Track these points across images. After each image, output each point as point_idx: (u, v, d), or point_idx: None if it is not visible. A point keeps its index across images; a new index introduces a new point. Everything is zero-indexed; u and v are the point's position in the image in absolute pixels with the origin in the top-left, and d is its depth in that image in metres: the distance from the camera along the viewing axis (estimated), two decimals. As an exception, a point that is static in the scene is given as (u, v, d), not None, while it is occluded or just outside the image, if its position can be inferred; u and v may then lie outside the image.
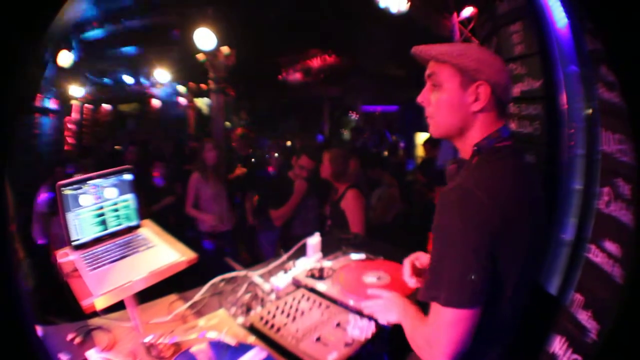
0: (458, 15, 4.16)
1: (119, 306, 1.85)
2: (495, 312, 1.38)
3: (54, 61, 7.91)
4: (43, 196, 5.32)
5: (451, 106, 1.48)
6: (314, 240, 2.70)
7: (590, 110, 1.85)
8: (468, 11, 4.07)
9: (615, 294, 1.34)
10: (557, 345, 1.54)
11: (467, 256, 1.29)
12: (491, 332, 1.41)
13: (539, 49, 2.19)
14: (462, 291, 1.30)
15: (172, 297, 2.28)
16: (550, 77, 2.13)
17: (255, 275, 2.46)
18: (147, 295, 2.02)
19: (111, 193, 2.02)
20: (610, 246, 1.42)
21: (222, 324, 1.95)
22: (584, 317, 1.45)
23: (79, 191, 1.89)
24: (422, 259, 2.06)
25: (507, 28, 2.54)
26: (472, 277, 1.28)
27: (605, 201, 1.50)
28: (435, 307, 1.37)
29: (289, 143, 6.54)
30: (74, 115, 11.56)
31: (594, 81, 1.66)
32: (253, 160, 7.00)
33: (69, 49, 7.97)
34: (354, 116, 15.30)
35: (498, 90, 1.43)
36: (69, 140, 11.13)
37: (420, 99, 1.56)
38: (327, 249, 2.77)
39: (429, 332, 1.42)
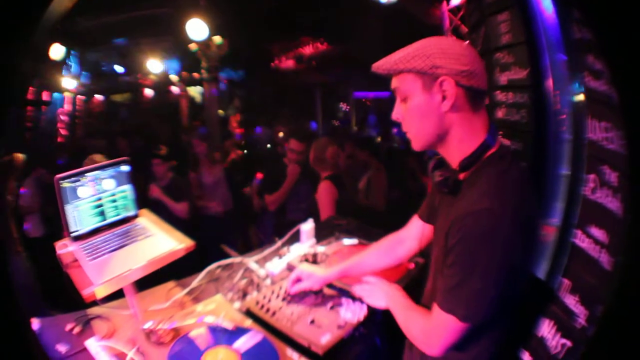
0: (447, 3, 4.18)
1: (118, 295, 1.87)
2: (502, 309, 1.38)
3: (47, 54, 7.89)
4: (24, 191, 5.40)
5: (422, 113, 1.39)
6: (307, 226, 2.76)
7: (576, 98, 1.86)
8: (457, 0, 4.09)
9: (602, 280, 1.36)
10: (546, 329, 1.56)
11: (491, 281, 1.27)
12: (494, 323, 1.42)
13: (526, 37, 2.21)
14: (480, 312, 1.31)
15: (170, 284, 2.33)
16: (537, 66, 2.16)
17: (250, 261, 2.51)
18: (146, 282, 2.07)
19: (109, 184, 2.06)
20: (596, 232, 1.42)
21: (220, 309, 2.00)
22: (572, 302, 1.45)
23: (77, 183, 1.93)
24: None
25: (494, 17, 2.55)
26: (492, 298, 1.29)
27: (591, 188, 1.50)
28: (441, 312, 1.37)
29: (281, 133, 6.55)
30: (67, 107, 11.51)
31: (580, 69, 1.65)
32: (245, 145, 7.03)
33: (61, 42, 7.95)
34: (344, 107, 15.26)
35: (463, 79, 1.32)
36: (62, 132, 11.11)
37: (394, 115, 1.50)
38: (321, 235, 2.82)
39: (428, 329, 1.45)
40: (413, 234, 1.90)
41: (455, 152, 1.42)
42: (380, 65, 1.44)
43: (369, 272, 1.98)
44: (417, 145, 1.47)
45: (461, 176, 1.43)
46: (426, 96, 1.37)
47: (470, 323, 1.32)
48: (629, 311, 1.19)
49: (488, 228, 1.24)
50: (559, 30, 2.00)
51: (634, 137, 1.23)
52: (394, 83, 1.45)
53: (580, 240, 1.52)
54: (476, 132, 1.39)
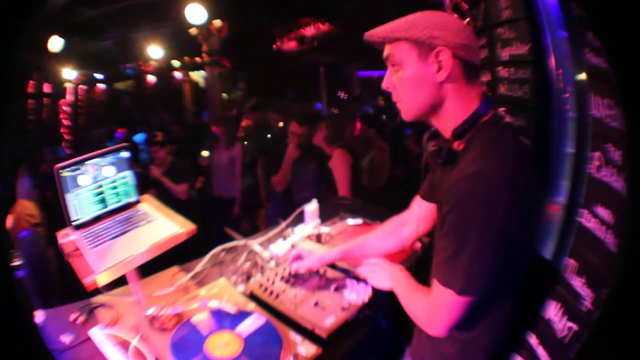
0: (447, -20, 4.11)
1: (122, 282, 1.89)
2: (505, 288, 1.39)
3: (45, 46, 7.90)
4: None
5: (415, 83, 1.39)
6: (311, 207, 2.75)
7: (579, 75, 1.83)
8: (456, -25, 4.01)
9: (607, 262, 1.34)
10: (553, 311, 1.54)
11: (486, 248, 1.25)
12: (498, 304, 1.43)
13: (526, 13, 2.17)
14: (477, 283, 1.29)
15: (174, 269, 2.34)
16: (538, 42, 2.12)
17: (254, 243, 2.51)
18: (150, 268, 2.07)
19: (109, 171, 2.06)
20: (602, 212, 1.38)
21: (223, 293, 2.00)
22: (578, 284, 1.42)
23: (77, 172, 1.92)
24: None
25: (494, -8, 2.51)
26: (489, 267, 1.27)
27: (596, 166, 1.47)
28: (440, 287, 1.36)
29: (281, 123, 6.56)
30: (69, 97, 11.53)
31: (581, 46, 1.62)
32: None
33: (60, 33, 7.97)
34: (342, 96, 15.16)
35: (460, 52, 1.33)
36: (65, 122, 11.14)
37: (384, 84, 1.48)
38: (325, 215, 2.81)
39: (429, 307, 1.43)
40: (416, 215, 1.86)
41: (449, 122, 1.41)
42: (375, 33, 1.44)
43: (372, 254, 1.96)
44: (407, 115, 1.46)
45: (456, 146, 1.42)
46: (421, 66, 1.36)
47: (469, 296, 1.30)
48: (632, 296, 1.17)
49: (480, 191, 1.22)
50: (559, 6, 1.96)
51: (631, 117, 1.21)
52: (387, 50, 1.44)
53: (587, 220, 1.48)
54: (469, 103, 1.39)
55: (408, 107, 1.44)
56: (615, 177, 1.32)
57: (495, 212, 1.21)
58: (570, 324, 1.42)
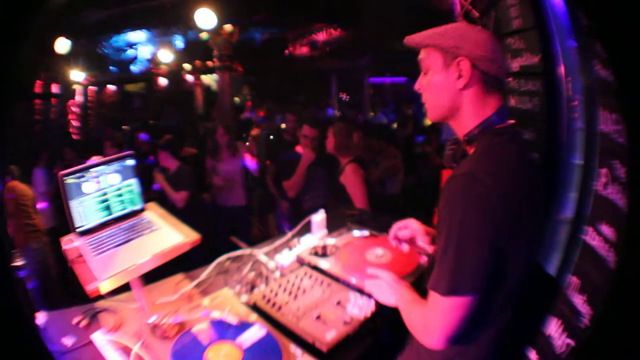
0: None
1: (126, 288, 1.89)
2: (495, 299, 1.40)
3: (52, 47, 7.96)
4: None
5: (438, 87, 1.51)
6: (318, 217, 2.73)
7: (588, 87, 1.81)
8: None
9: (607, 279, 1.33)
10: (553, 327, 1.53)
11: (468, 245, 1.29)
12: (489, 317, 1.43)
13: (535, 22, 2.15)
14: (461, 280, 1.30)
15: (179, 276, 2.33)
16: (548, 52, 2.10)
17: (260, 253, 2.50)
18: (155, 275, 2.07)
19: (114, 179, 2.06)
20: (606, 230, 1.37)
21: (226, 303, 1.99)
22: (579, 301, 1.41)
23: (81, 179, 1.93)
24: (412, 227, 2.09)
25: (504, 1, 2.48)
26: (472, 265, 1.29)
27: (603, 183, 1.47)
28: (430, 292, 1.39)
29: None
30: (78, 98, 11.61)
31: (590, 57, 1.62)
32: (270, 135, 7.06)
33: (70, 35, 8.03)
34: (344, 97, 15.17)
35: (481, 63, 1.43)
36: (74, 123, 11.22)
37: (416, 86, 1.60)
38: (332, 226, 2.80)
39: (426, 316, 1.44)
40: None
41: (464, 127, 1.52)
42: (413, 38, 1.56)
43: None
44: (431, 115, 1.60)
45: (468, 151, 1.53)
46: (444, 72, 1.48)
47: (455, 296, 1.32)
48: (623, 312, 1.18)
49: (465, 190, 1.31)
50: (568, 15, 1.94)
51: (634, 132, 1.21)
52: (421, 55, 1.56)
53: (591, 237, 1.47)
54: (484, 111, 1.48)
55: (431, 108, 1.58)
56: (620, 195, 1.32)
57: (479, 211, 1.29)
58: (568, 340, 1.42)
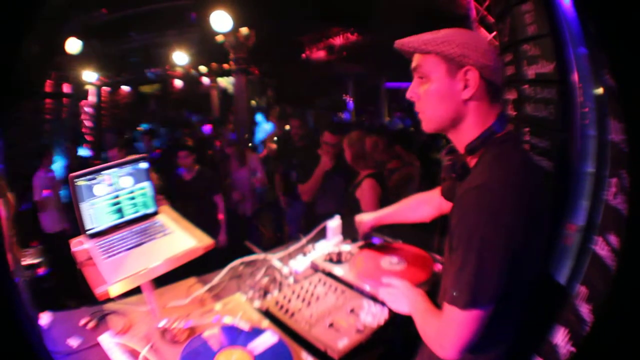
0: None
1: (136, 290, 1.87)
2: (506, 307, 1.36)
3: (62, 47, 8.01)
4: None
5: (440, 97, 1.42)
6: (334, 223, 2.70)
7: (599, 95, 1.79)
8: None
9: (610, 289, 1.32)
10: (560, 336, 1.53)
11: (487, 259, 1.25)
12: (501, 326, 1.40)
13: (550, 29, 2.12)
14: (480, 294, 1.28)
15: (192, 280, 2.32)
16: (562, 59, 2.07)
17: (274, 258, 2.47)
18: (167, 278, 2.05)
19: (127, 182, 2.05)
20: (614, 240, 1.38)
21: (238, 309, 1.97)
22: (585, 311, 1.42)
23: (92, 182, 1.92)
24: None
25: (519, 7, 2.44)
26: (491, 278, 1.26)
27: (613, 192, 1.46)
28: (447, 305, 1.36)
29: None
30: (91, 98, 11.68)
31: (601, 65, 1.61)
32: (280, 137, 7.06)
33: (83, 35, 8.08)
34: (347, 99, 15.11)
35: (487, 73, 1.37)
36: (87, 123, 11.29)
37: (409, 94, 1.51)
38: (347, 233, 2.76)
39: (441, 327, 1.41)
40: (436, 202, 2.08)
41: (464, 137, 1.45)
42: (406, 43, 1.47)
43: (404, 221, 2.27)
44: (428, 127, 1.50)
45: (470, 162, 1.46)
46: (448, 81, 1.40)
47: (474, 309, 1.29)
48: (621, 319, 1.18)
49: (483, 202, 1.26)
50: (579, 22, 1.92)
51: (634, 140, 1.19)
52: (416, 61, 1.47)
53: (601, 247, 1.46)
54: (486, 121, 1.43)
55: (429, 119, 1.48)
56: (625, 205, 1.32)
57: (499, 224, 1.24)
58: (572, 348, 1.43)
